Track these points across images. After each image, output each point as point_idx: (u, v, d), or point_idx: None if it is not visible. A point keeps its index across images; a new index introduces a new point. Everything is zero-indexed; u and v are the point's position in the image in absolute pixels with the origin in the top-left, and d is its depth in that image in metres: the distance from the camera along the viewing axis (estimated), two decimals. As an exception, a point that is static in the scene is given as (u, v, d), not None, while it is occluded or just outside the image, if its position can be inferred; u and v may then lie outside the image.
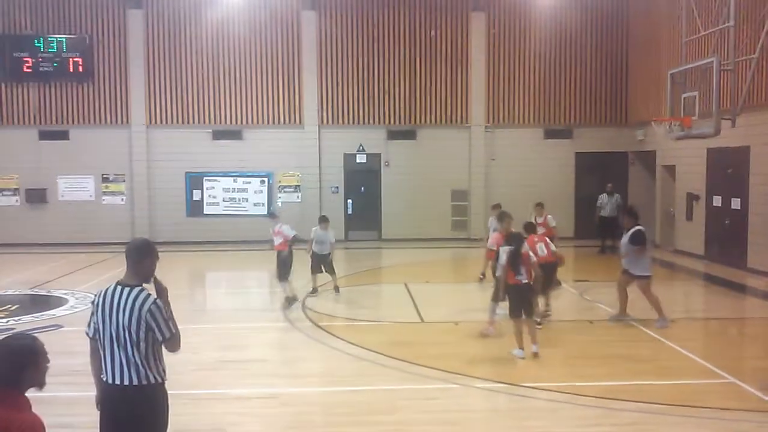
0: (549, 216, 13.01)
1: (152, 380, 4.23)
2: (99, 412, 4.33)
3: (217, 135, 20.46)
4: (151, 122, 20.29)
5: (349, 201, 20.85)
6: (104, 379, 4.27)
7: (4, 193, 20.12)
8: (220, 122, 20.47)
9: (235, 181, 20.61)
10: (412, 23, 20.58)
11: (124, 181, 20.35)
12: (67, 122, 20.13)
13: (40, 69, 19.77)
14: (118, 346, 4.18)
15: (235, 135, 20.51)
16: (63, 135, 20.11)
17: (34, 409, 3.16)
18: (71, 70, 19.80)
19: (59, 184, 20.22)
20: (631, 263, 10.07)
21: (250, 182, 20.65)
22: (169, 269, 16.44)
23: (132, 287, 4.23)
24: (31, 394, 3.21)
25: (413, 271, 15.73)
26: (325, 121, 20.57)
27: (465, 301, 12.26)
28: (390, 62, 20.55)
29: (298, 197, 20.53)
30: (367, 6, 20.43)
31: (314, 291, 12.49)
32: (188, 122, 20.41)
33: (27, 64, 19.74)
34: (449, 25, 20.64)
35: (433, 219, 20.79)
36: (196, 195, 20.56)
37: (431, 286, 13.94)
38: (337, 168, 20.75)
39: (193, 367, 8.15)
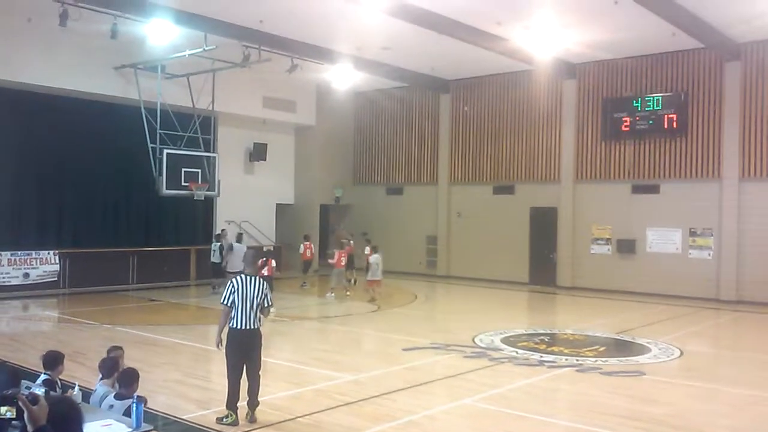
0: None
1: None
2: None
3: (822, 188, 18.25)
4: (743, 175, 19.44)
5: None
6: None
7: (599, 242, 22.10)
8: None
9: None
10: None
11: (711, 235, 19.96)
12: (659, 176, 20.94)
13: (636, 127, 21.16)
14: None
15: None
16: (654, 189, 21.00)
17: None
18: (665, 126, 20.59)
19: (648, 236, 21.12)
20: None
21: None
22: (755, 331, 15.48)
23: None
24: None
25: None
26: None
27: None
28: None
29: None
30: None
31: None
32: (787, 174, 18.82)
33: (625, 124, 21.39)
34: None
35: None
36: (794, 254, 18.68)
37: None
38: None
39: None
